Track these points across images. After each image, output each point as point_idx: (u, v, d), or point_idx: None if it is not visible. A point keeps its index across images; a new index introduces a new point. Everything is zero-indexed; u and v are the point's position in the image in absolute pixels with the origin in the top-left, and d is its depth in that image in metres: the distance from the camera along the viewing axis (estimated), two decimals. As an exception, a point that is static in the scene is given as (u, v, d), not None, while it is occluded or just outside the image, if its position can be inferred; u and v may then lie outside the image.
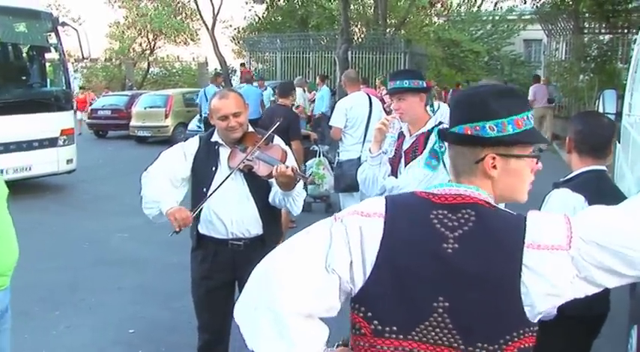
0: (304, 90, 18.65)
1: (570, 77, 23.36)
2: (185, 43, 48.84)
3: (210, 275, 4.08)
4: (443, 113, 7.74)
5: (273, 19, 35.56)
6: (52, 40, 13.07)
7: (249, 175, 3.92)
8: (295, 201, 3.95)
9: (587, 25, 24.49)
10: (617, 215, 1.76)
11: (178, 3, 46.73)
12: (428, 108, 4.34)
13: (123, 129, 22.89)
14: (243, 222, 3.97)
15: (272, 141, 4.10)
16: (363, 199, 2.03)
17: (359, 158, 7.36)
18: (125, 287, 7.02)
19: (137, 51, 49.79)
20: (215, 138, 4.07)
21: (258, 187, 3.96)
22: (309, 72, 27.11)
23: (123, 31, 48.46)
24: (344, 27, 22.40)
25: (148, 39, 49.15)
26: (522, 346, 1.73)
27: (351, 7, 30.96)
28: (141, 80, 46.19)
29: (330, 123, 8.12)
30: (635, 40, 8.87)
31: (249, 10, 36.11)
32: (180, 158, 4.05)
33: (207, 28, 34.48)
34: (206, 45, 49.68)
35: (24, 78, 13.14)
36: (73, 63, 31.97)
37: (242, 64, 29.60)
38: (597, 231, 1.71)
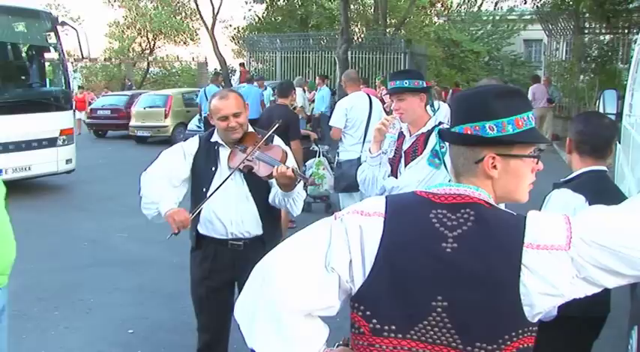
0: (304, 91, 18.65)
1: (571, 77, 23.37)
2: (185, 43, 48.94)
3: (210, 275, 4.07)
4: (443, 113, 7.75)
5: (273, 18, 35.57)
6: (52, 39, 13.04)
7: (249, 175, 3.91)
8: (295, 201, 3.94)
9: (587, 25, 24.48)
10: (617, 215, 1.77)
11: (178, 3, 46.77)
12: (429, 107, 4.34)
13: (122, 129, 22.88)
14: (242, 223, 3.97)
15: (272, 142, 4.09)
16: (363, 199, 2.02)
17: (359, 158, 7.35)
18: (124, 287, 7.00)
19: (137, 51, 49.85)
20: (215, 138, 4.06)
21: (258, 187, 3.95)
22: (309, 72, 27.13)
23: (122, 31, 48.52)
24: (344, 27, 22.39)
25: (148, 39, 49.20)
26: (521, 346, 1.73)
27: (351, 7, 30.98)
28: (140, 80, 46.21)
29: (330, 124, 8.10)
30: (636, 40, 8.87)
31: (249, 9, 36.13)
32: (179, 158, 4.04)
33: (207, 28, 34.43)
34: (206, 45, 49.83)
35: (23, 78, 13.14)
36: (72, 63, 31.91)
37: (241, 64, 29.57)
38: (597, 231, 1.71)
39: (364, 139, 7.50)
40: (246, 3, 35.63)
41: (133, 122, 21.72)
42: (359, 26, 35.05)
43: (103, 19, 73.35)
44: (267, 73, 28.32)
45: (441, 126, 4.08)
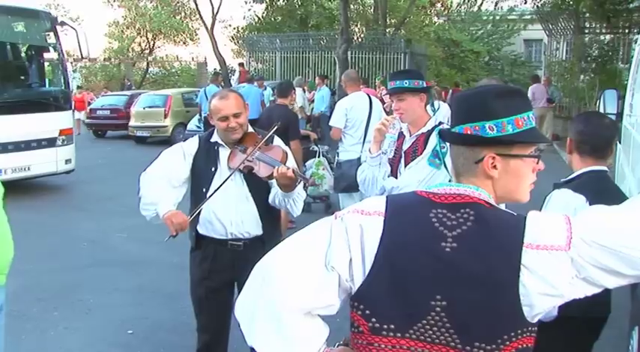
0: (304, 91, 18.64)
1: (571, 77, 23.37)
2: (184, 43, 48.94)
3: (210, 275, 4.07)
4: (443, 113, 7.74)
5: (272, 18, 35.55)
6: (51, 39, 13.04)
7: (249, 176, 3.90)
8: (295, 202, 3.94)
9: (587, 25, 24.49)
10: (617, 215, 1.76)
11: (177, 2, 46.78)
12: (429, 107, 4.33)
13: (122, 129, 22.87)
14: (242, 223, 3.96)
15: (272, 142, 4.08)
16: (363, 200, 2.03)
17: (359, 158, 7.34)
18: (124, 287, 6.99)
19: (136, 50, 49.83)
20: (215, 138, 4.05)
21: (258, 188, 3.95)
22: (308, 72, 27.11)
23: (122, 31, 48.52)
24: (344, 27, 22.37)
25: (147, 38, 49.20)
26: (521, 346, 1.73)
27: (351, 6, 30.96)
28: (140, 80, 46.19)
29: (330, 124, 8.09)
30: (637, 39, 8.87)
31: (249, 9, 36.08)
32: (179, 158, 4.04)
33: (207, 28, 34.44)
34: (205, 45, 49.79)
35: (22, 78, 13.13)
36: (71, 62, 31.88)
37: (241, 64, 29.57)
38: (598, 231, 1.70)
39: (364, 139, 7.49)
40: (246, 3, 35.64)
41: (132, 122, 21.70)
42: (359, 26, 35.03)
43: (103, 19, 73.43)
44: (266, 73, 28.32)
45: (441, 127, 4.08)
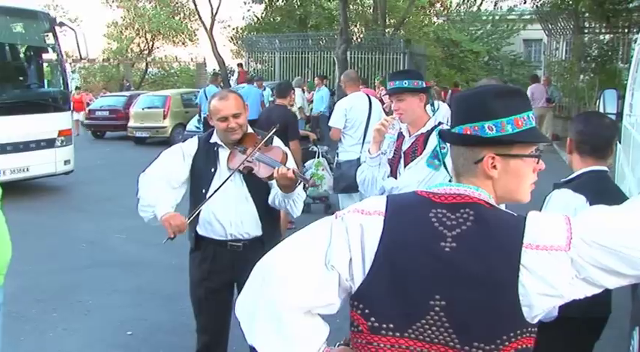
0: (303, 91, 18.64)
1: (570, 77, 23.37)
2: (183, 44, 48.93)
3: (209, 276, 4.06)
4: (442, 113, 7.72)
5: (271, 19, 35.56)
6: (50, 40, 13.05)
7: (249, 176, 3.89)
8: (296, 203, 3.92)
9: (587, 25, 24.50)
10: (618, 215, 1.76)
11: (176, 3, 46.79)
12: (429, 107, 4.33)
13: (121, 130, 22.88)
14: (242, 224, 3.95)
15: (272, 143, 4.07)
16: (363, 200, 2.03)
17: (358, 159, 7.33)
18: (123, 289, 6.98)
19: (135, 51, 49.80)
20: (214, 139, 4.04)
21: (258, 188, 3.94)
22: (307, 72, 27.11)
23: (121, 32, 48.48)
24: (343, 27, 22.38)
25: (146, 39, 49.19)
26: (520, 347, 1.73)
27: (350, 7, 30.96)
28: (139, 80, 46.19)
29: (329, 124, 8.08)
30: (636, 39, 8.86)
31: (248, 10, 36.10)
32: (178, 159, 4.03)
33: (206, 29, 34.41)
34: (204, 45, 49.99)
35: (21, 78, 13.12)
36: (70, 63, 31.88)
37: (239, 65, 29.59)
38: (598, 231, 1.70)
39: (364, 140, 7.48)
40: (245, 3, 35.68)
41: (131, 123, 21.70)
42: (358, 26, 35.08)
43: (102, 20, 73.51)
44: (265, 73, 28.31)
45: (440, 127, 4.08)
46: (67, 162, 12.87)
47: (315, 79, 20.28)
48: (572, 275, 1.71)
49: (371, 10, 33.57)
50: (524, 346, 1.73)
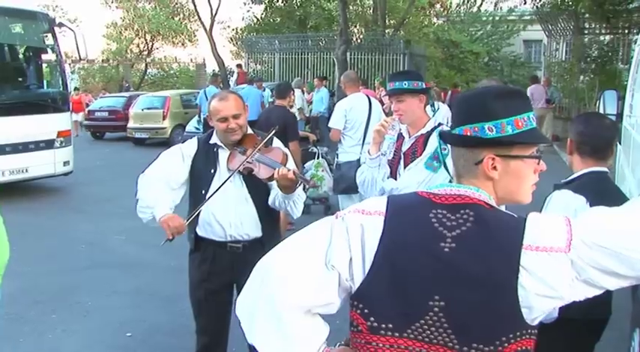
0: (303, 92, 18.63)
1: (570, 78, 23.38)
2: (183, 44, 48.90)
3: (209, 277, 4.05)
4: (442, 114, 7.70)
5: (271, 19, 35.53)
6: (49, 41, 13.05)
7: (248, 177, 3.89)
8: (296, 204, 3.92)
9: (587, 26, 24.50)
10: (618, 216, 1.76)
11: (176, 4, 46.79)
12: (429, 108, 4.33)
13: (120, 131, 22.89)
14: (242, 225, 3.94)
15: (272, 144, 4.06)
16: (363, 201, 2.03)
17: (358, 160, 7.32)
18: (122, 290, 6.97)
19: (134, 52, 49.77)
20: (214, 140, 4.03)
21: (257, 189, 3.93)
22: (307, 73, 27.11)
23: (120, 32, 48.45)
24: (343, 28, 22.36)
25: (146, 40, 49.16)
26: (519, 348, 1.73)
27: (350, 7, 30.96)
28: (138, 81, 46.16)
29: (329, 125, 8.07)
30: (636, 40, 8.86)
31: (248, 10, 36.25)
32: (178, 160, 4.02)
33: (205, 29, 34.39)
34: (204, 46, 49.99)
35: (20, 79, 13.13)
36: (70, 64, 31.88)
37: (239, 65, 29.61)
38: (599, 233, 1.70)
39: (363, 141, 7.47)
40: (245, 4, 35.70)
41: (130, 124, 21.71)
42: (358, 27, 35.07)
43: (101, 20, 73.41)
44: (265, 74, 28.30)
45: (440, 128, 4.07)
46: (66, 163, 12.86)
47: (315, 79, 20.28)
48: (573, 277, 1.70)
49: (371, 11, 33.57)
50: (523, 348, 1.73)
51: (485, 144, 1.82)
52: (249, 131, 4.03)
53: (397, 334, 1.80)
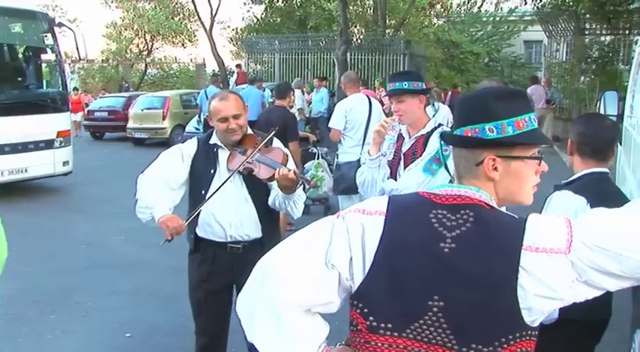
0: (303, 92, 18.61)
1: (571, 78, 23.38)
2: (183, 45, 48.93)
3: (209, 278, 4.04)
4: (442, 114, 7.68)
5: (271, 19, 35.54)
6: (49, 41, 13.04)
7: (248, 178, 3.88)
8: (296, 204, 3.91)
9: (588, 26, 24.48)
10: (618, 217, 1.75)
11: (176, 4, 46.81)
12: (430, 108, 4.32)
13: (120, 131, 22.88)
14: (242, 225, 3.94)
15: (272, 144, 4.05)
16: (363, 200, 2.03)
17: (358, 160, 7.31)
18: (121, 290, 6.96)
19: (134, 52, 49.82)
20: (214, 140, 4.03)
21: (257, 190, 3.93)
22: (307, 73, 27.10)
23: (120, 32, 48.48)
24: (343, 28, 22.35)
25: (146, 40, 49.20)
26: (519, 350, 1.73)
27: (350, 8, 30.95)
28: (138, 81, 46.19)
29: (329, 125, 8.06)
30: (637, 41, 8.85)
31: (248, 11, 36.28)
32: (177, 160, 4.01)
33: (205, 29, 34.42)
34: (204, 46, 49.99)
35: (20, 79, 13.12)
36: (69, 64, 31.87)
37: (238, 65, 29.61)
38: (599, 235, 1.70)
39: (364, 141, 7.46)
40: (245, 4, 35.72)
41: (130, 124, 21.68)
42: (358, 27, 35.07)
43: (101, 20, 73.38)
44: (265, 74, 28.29)
45: (440, 128, 4.06)
46: (65, 163, 12.85)
47: (315, 80, 20.27)
48: (573, 279, 1.70)
49: (371, 11, 33.57)
50: (523, 349, 1.73)
51: (486, 145, 1.81)
52: (249, 131, 4.03)
53: (396, 334, 1.80)
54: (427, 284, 1.76)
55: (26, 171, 12.01)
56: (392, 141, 4.29)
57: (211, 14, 34.60)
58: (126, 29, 48.31)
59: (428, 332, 1.76)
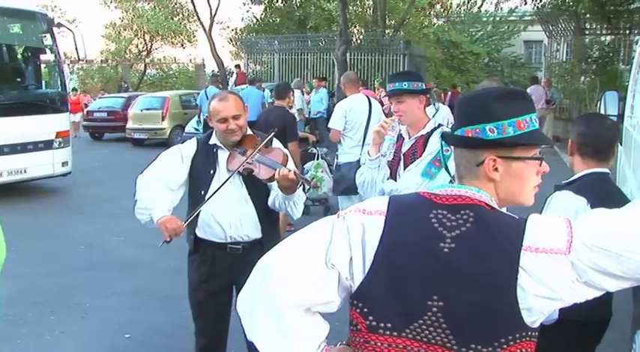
0: (302, 93, 18.61)
1: (571, 79, 23.40)
2: (182, 45, 48.88)
3: (208, 279, 4.04)
4: (442, 115, 7.67)
5: (270, 20, 35.55)
6: (48, 41, 13.03)
7: (248, 178, 3.87)
8: (296, 204, 3.90)
9: (588, 26, 24.49)
10: (619, 218, 1.75)
11: (175, 4, 46.78)
12: (431, 108, 4.32)
13: (119, 132, 22.87)
14: (241, 226, 3.93)
15: (271, 144, 4.04)
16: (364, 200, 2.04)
17: (358, 161, 7.30)
18: (121, 291, 6.95)
19: (133, 52, 49.78)
20: (213, 140, 4.02)
21: (257, 190, 3.92)
22: (307, 73, 27.11)
23: (119, 32, 48.43)
24: (342, 28, 22.34)
25: (145, 40, 49.17)
26: (518, 350, 1.73)
27: (350, 8, 30.95)
28: (137, 82, 46.17)
29: (328, 126, 8.06)
30: (637, 41, 8.84)
31: (247, 11, 36.34)
32: (177, 161, 4.00)
33: (205, 30, 34.40)
34: (203, 46, 49.96)
35: (19, 79, 13.12)
36: (68, 64, 31.86)
37: (237, 66, 29.59)
38: (599, 235, 1.70)
39: (363, 142, 7.45)
40: (244, 4, 35.75)
41: (129, 124, 21.69)
42: (358, 27, 35.07)
43: (100, 21, 73.40)
44: (265, 74, 28.32)
45: (440, 129, 4.06)
46: (64, 163, 12.84)
47: (314, 80, 20.27)
48: (573, 279, 1.70)
49: (371, 12, 33.58)
50: (523, 350, 1.73)
51: (487, 146, 1.81)
52: (249, 132, 4.02)
53: (396, 333, 1.80)
54: (427, 284, 1.76)
55: (25, 171, 12.01)
56: (392, 141, 4.28)
57: (211, 14, 34.61)
58: (125, 29, 48.27)
59: (427, 332, 1.76)
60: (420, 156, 4.07)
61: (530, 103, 1.89)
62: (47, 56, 13.32)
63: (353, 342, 1.89)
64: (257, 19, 36.11)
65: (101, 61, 47.67)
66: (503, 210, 1.89)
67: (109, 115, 23.73)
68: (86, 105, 26.62)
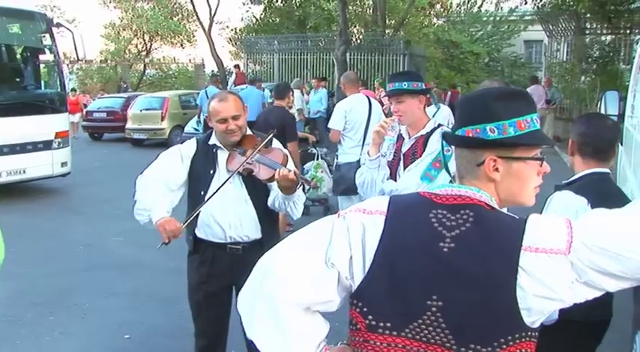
0: (302, 93, 18.60)
1: (572, 78, 23.40)
2: (181, 45, 48.83)
3: (208, 280, 4.03)
4: (442, 115, 7.67)
5: (270, 20, 35.51)
6: (47, 41, 13.02)
7: (248, 178, 3.87)
8: (296, 205, 3.90)
9: (588, 26, 24.49)
10: (619, 218, 1.75)
11: (175, 4, 46.75)
12: (432, 107, 4.31)
13: (118, 132, 22.88)
14: (241, 226, 3.93)
15: (271, 145, 4.03)
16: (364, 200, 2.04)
17: (358, 161, 7.29)
18: (120, 291, 6.95)
19: (133, 52, 49.74)
20: (213, 140, 4.02)
21: (257, 190, 3.92)
22: (307, 73, 27.10)
23: (118, 32, 48.41)
24: (342, 28, 22.33)
25: (144, 40, 49.13)
26: (518, 351, 1.73)
27: (350, 7, 30.94)
28: (137, 82, 46.14)
29: (328, 126, 8.05)
30: (638, 40, 8.83)
31: (247, 11, 36.31)
32: (176, 161, 4.00)
33: (204, 30, 34.40)
34: (203, 46, 49.85)
35: (18, 80, 13.12)
36: (67, 65, 31.83)
37: (236, 66, 29.58)
38: (599, 235, 1.70)
39: (363, 142, 7.44)
40: (244, 4, 35.70)
41: (129, 125, 21.70)
42: (357, 27, 35.07)
43: (99, 21, 73.30)
44: (264, 74, 28.29)
45: (440, 129, 4.05)
46: (64, 164, 12.84)
47: (313, 80, 20.25)
48: (573, 279, 1.70)
49: (370, 11, 33.57)
50: (523, 350, 1.72)
51: (487, 146, 1.81)
52: (249, 132, 4.01)
53: (395, 333, 1.80)
54: (426, 283, 1.76)
55: (24, 172, 12.00)
56: (392, 141, 4.27)
57: (210, 14, 34.61)
58: (124, 29, 48.24)
59: (427, 331, 1.76)
60: (420, 156, 4.07)
61: (532, 104, 1.89)
62: (46, 56, 13.32)
63: (353, 342, 1.89)
64: (257, 19, 36.08)
65: (100, 61, 47.64)
66: (504, 210, 1.89)
67: (109, 115, 23.73)
68: (85, 106, 26.60)
